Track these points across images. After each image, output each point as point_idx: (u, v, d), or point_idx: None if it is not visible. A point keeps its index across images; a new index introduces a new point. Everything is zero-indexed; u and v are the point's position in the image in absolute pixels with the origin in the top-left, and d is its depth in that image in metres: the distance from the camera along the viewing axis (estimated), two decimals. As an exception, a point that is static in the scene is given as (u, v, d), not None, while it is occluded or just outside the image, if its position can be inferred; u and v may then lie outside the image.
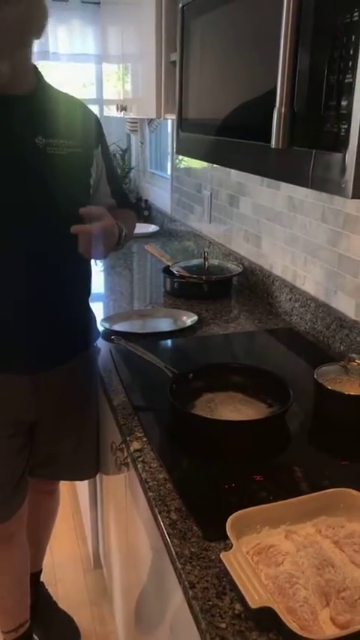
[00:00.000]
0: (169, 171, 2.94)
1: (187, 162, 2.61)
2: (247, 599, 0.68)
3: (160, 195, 3.14)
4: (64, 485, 1.82)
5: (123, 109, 2.47)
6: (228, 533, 0.77)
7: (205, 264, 1.99)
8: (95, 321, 1.44)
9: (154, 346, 1.48)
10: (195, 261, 2.06)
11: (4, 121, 1.12)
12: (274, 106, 0.75)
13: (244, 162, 0.96)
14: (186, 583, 0.75)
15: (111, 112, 2.75)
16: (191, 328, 1.62)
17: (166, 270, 1.99)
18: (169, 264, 2.10)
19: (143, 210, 3.25)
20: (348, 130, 0.67)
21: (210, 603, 0.72)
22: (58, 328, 1.26)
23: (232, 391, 1.21)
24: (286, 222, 1.73)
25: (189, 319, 1.66)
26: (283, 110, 0.74)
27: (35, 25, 1.09)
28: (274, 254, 1.83)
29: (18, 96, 1.13)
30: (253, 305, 1.86)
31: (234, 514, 0.80)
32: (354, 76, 0.65)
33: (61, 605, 1.74)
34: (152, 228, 2.95)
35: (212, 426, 1.06)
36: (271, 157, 0.83)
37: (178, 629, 0.92)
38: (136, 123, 3.26)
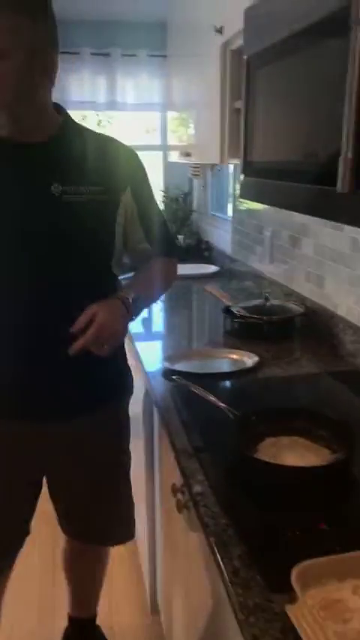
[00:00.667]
0: (229, 213, 2.98)
1: (248, 204, 2.65)
2: (315, 657, 0.65)
3: (221, 236, 3.18)
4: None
5: (186, 154, 2.55)
6: (293, 585, 0.74)
7: (265, 304, 1.98)
8: (127, 374, 1.38)
9: (213, 387, 1.46)
10: (255, 302, 2.06)
11: (15, 171, 1.10)
12: (339, 151, 0.76)
13: (308, 206, 0.96)
14: (249, 637, 0.72)
15: (174, 157, 2.84)
16: (251, 369, 1.61)
17: (227, 310, 2.00)
18: (229, 304, 2.11)
19: (204, 251, 3.31)
20: None
21: (274, 659, 0.69)
22: (72, 381, 1.21)
23: (294, 435, 1.18)
24: (350, 263, 1.71)
25: (249, 360, 1.65)
26: (349, 155, 0.75)
27: (38, 78, 1.06)
28: (337, 295, 1.81)
29: (32, 144, 1.11)
30: (315, 346, 1.82)
31: (300, 564, 0.77)
32: None
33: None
34: (212, 268, 2.98)
35: (276, 472, 1.04)
36: (336, 200, 0.83)
37: None
38: (199, 167, 3.35)
